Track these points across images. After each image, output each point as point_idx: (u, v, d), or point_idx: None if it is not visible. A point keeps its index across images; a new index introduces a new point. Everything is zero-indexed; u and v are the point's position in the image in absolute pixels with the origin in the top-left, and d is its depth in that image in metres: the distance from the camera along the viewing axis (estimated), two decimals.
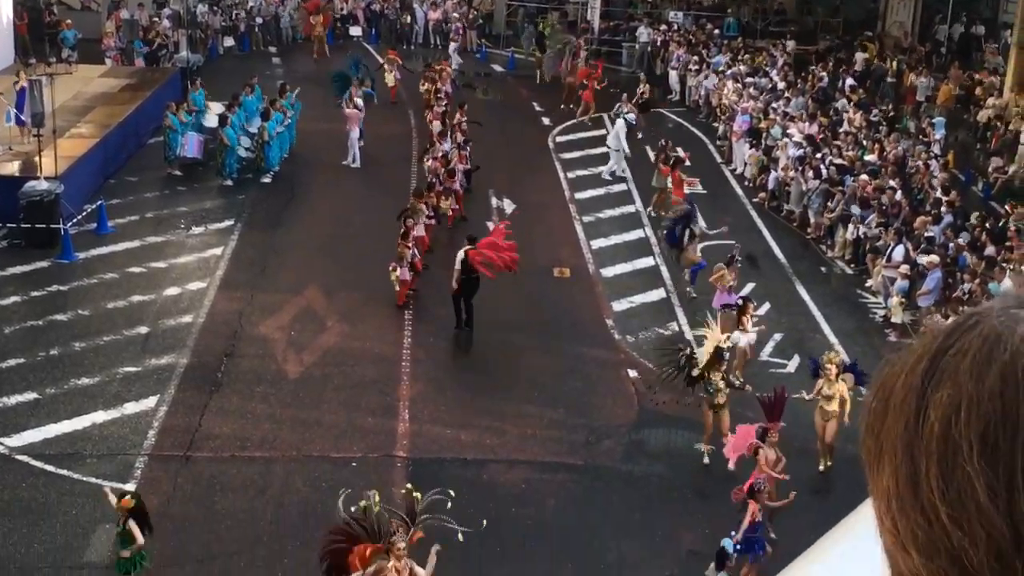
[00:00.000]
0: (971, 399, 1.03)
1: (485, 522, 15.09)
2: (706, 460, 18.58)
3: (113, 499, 15.07)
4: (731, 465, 17.22)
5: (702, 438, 18.84)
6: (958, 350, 1.08)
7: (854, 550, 1.43)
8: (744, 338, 20.61)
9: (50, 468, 18.07)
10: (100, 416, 19.51)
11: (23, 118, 27.95)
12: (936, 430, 1.05)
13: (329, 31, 44.92)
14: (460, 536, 13.88)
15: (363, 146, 32.72)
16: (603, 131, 35.23)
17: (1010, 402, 1.01)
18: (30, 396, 20.01)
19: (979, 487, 1.01)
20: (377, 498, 13.70)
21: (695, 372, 18.57)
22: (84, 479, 17.74)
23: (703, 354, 18.54)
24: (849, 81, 37.39)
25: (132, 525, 14.73)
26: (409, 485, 14.54)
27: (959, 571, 1.02)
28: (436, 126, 31.61)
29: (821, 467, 18.28)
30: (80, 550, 16.24)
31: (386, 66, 38.28)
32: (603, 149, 33.65)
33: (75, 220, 26.52)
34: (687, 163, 30.18)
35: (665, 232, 25.31)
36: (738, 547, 15.26)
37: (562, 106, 38.16)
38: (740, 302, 21.30)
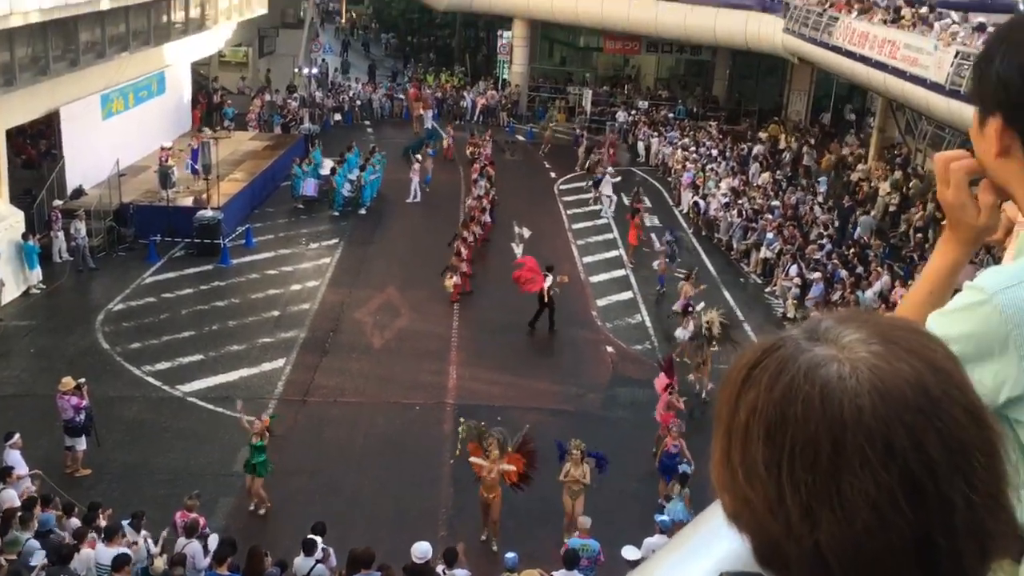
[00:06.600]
0: (763, 404, 1.05)
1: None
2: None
3: (257, 423, 15.08)
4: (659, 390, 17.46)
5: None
6: (763, 367, 1.07)
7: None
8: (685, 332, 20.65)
9: (210, 407, 18.23)
10: (245, 372, 19.64)
11: (196, 167, 28.11)
12: (741, 420, 1.07)
13: (405, 111, 44.88)
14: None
15: (427, 191, 32.64)
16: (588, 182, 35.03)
17: (785, 410, 1.03)
18: (198, 357, 20.14)
19: (760, 462, 1.04)
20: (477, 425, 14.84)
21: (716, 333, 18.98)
22: (233, 415, 17.76)
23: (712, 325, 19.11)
24: (760, 149, 37.16)
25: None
26: (473, 421, 15.10)
27: (750, 512, 1.06)
28: (474, 178, 31.61)
29: (567, 539, 13.91)
30: (230, 463, 16.32)
31: (446, 134, 38.41)
32: (593, 194, 33.53)
33: (230, 237, 26.63)
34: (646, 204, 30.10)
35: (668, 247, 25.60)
36: (683, 463, 15.25)
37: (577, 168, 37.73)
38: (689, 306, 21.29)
